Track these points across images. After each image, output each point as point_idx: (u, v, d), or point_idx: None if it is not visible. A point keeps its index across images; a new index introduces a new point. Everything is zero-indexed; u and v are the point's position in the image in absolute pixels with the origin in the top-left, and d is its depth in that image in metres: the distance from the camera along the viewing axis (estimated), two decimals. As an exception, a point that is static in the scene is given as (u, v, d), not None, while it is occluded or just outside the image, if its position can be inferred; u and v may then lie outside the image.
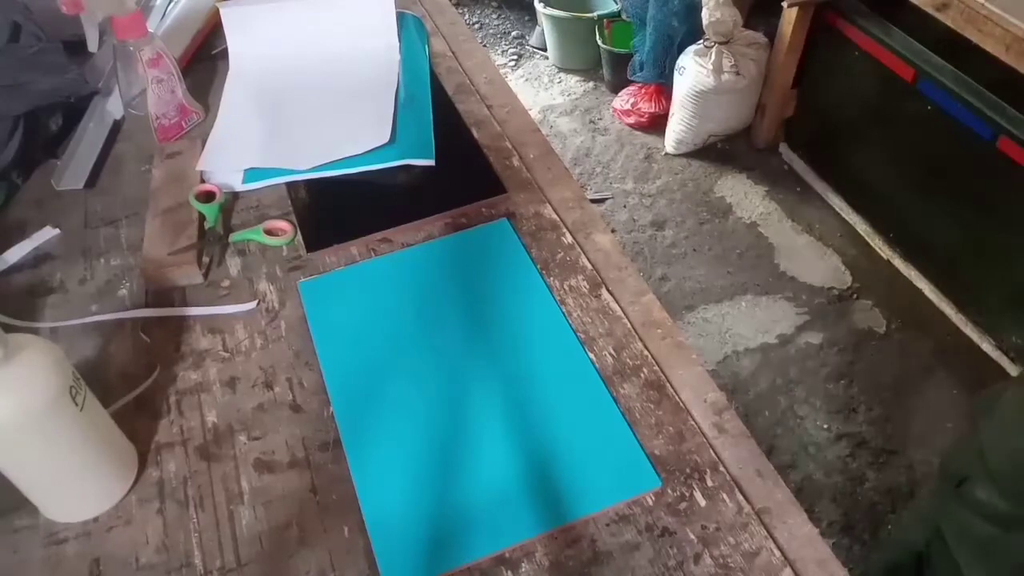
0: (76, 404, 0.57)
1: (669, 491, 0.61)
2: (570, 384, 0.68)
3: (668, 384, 0.68)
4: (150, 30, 0.92)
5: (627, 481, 0.61)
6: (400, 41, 1.04)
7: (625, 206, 2.25)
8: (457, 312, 0.74)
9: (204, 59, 1.08)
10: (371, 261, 0.80)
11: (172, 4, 1.12)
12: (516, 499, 0.61)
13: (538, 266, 0.78)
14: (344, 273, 0.79)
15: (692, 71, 2.13)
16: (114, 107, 0.99)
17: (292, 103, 0.98)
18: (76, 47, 0.99)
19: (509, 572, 0.57)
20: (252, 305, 0.76)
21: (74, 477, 0.60)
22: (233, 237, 0.83)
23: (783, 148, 2.30)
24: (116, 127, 0.99)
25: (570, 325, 0.72)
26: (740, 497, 0.60)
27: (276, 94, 1.00)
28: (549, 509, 0.60)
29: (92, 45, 0.98)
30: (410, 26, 1.08)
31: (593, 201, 2.25)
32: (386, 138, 0.90)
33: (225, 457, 0.65)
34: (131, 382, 0.70)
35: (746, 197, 2.19)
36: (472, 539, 0.59)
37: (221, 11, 1.02)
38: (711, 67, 2.08)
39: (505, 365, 0.69)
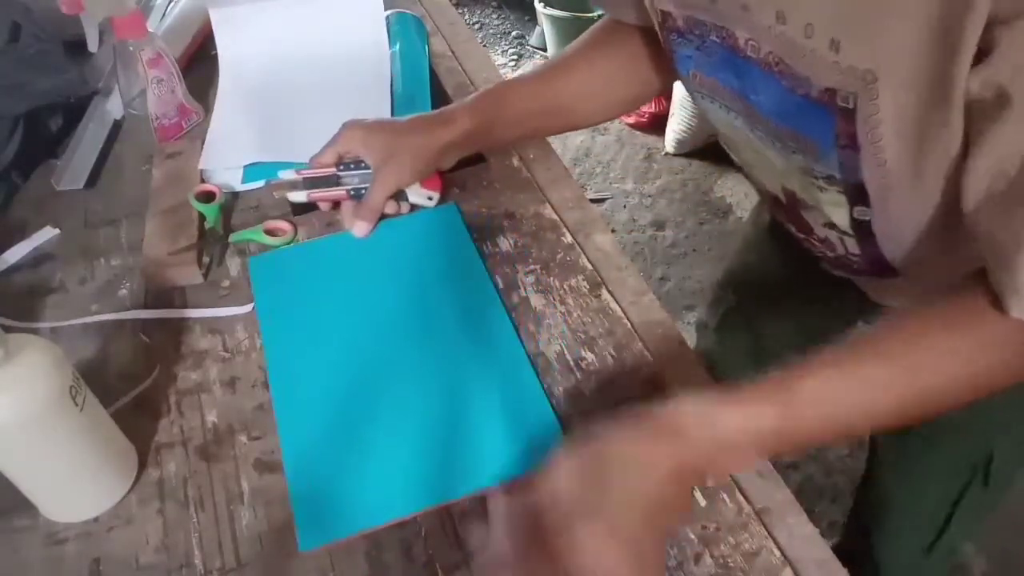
0: (76, 404, 0.57)
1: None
2: (499, 365, 0.70)
3: (668, 386, 0.68)
4: (150, 30, 0.92)
5: (540, 451, 0.62)
6: (394, 39, 1.04)
7: (625, 206, 2.25)
8: (397, 294, 0.76)
9: (204, 59, 1.08)
10: (321, 239, 0.83)
11: (172, 4, 1.12)
12: (437, 463, 0.64)
13: (536, 264, 0.78)
14: (293, 250, 0.82)
15: (692, 71, 2.13)
16: (114, 107, 1.00)
17: (287, 100, 0.99)
18: (76, 47, 0.99)
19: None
20: (250, 307, 0.76)
21: (74, 477, 0.60)
22: (233, 237, 0.83)
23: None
24: (116, 127, 0.99)
25: (506, 309, 0.74)
26: (740, 497, 0.60)
27: (270, 92, 1.00)
28: (464, 473, 0.63)
29: (92, 45, 0.99)
30: (409, 26, 1.08)
31: (593, 201, 2.25)
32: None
33: (225, 457, 0.65)
34: (131, 382, 0.70)
35: (746, 197, 2.19)
36: (388, 500, 0.61)
37: (210, 12, 1.02)
38: (711, 67, 2.08)
39: (439, 345, 0.72)
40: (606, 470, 0.49)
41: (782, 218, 0.79)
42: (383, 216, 0.81)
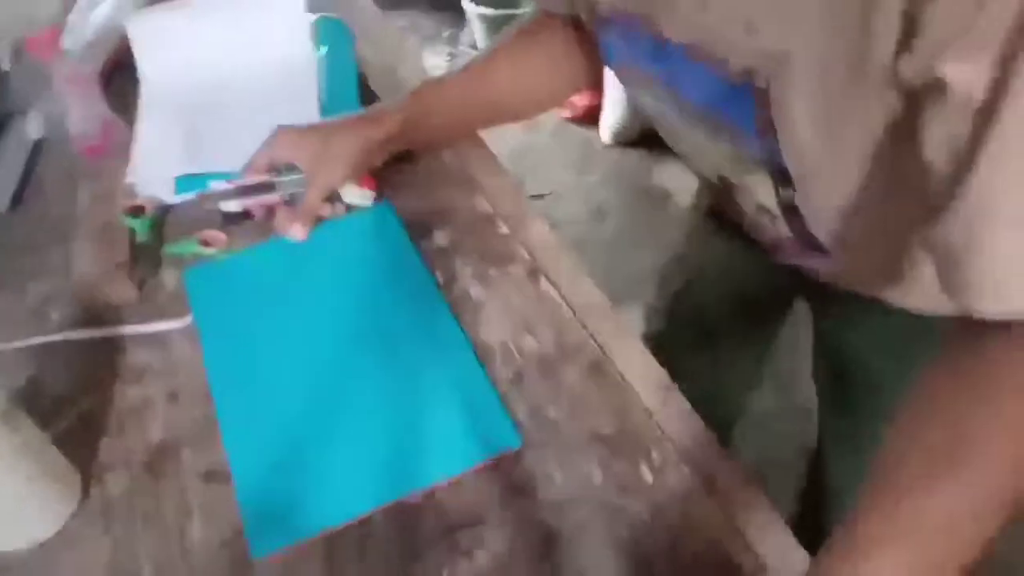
0: (11, 429, 0.56)
1: (616, 469, 0.62)
2: (443, 358, 0.70)
3: (610, 365, 0.69)
4: (66, 46, 0.90)
5: (489, 440, 0.64)
6: (321, 44, 1.04)
7: (566, 199, 2.27)
8: (336, 296, 0.76)
9: (125, 73, 1.05)
10: (256, 247, 0.82)
11: (88, 19, 1.10)
12: (386, 461, 0.64)
13: (473, 256, 0.78)
14: (229, 260, 0.81)
15: (622, 62, 2.16)
16: (33, 127, 0.97)
17: (213, 110, 0.98)
18: (-11, 68, 0.97)
19: (465, 560, 0.58)
20: (188, 320, 0.75)
21: (14, 504, 0.59)
22: (167, 250, 0.81)
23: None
24: (37, 147, 0.97)
25: (446, 302, 0.74)
26: (686, 470, 0.62)
27: (195, 102, 0.99)
28: (414, 469, 0.63)
29: (5, 64, 0.96)
30: (334, 30, 1.08)
31: (533, 197, 2.26)
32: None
33: (171, 472, 0.64)
34: (70, 404, 0.69)
35: (684, 184, 2.23)
36: (338, 502, 0.61)
37: (128, 26, 1.00)
38: (640, 57, 2.11)
39: (382, 343, 0.72)
40: None
41: (719, 203, 0.81)
42: (319, 218, 0.81)
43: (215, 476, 0.64)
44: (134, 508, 0.62)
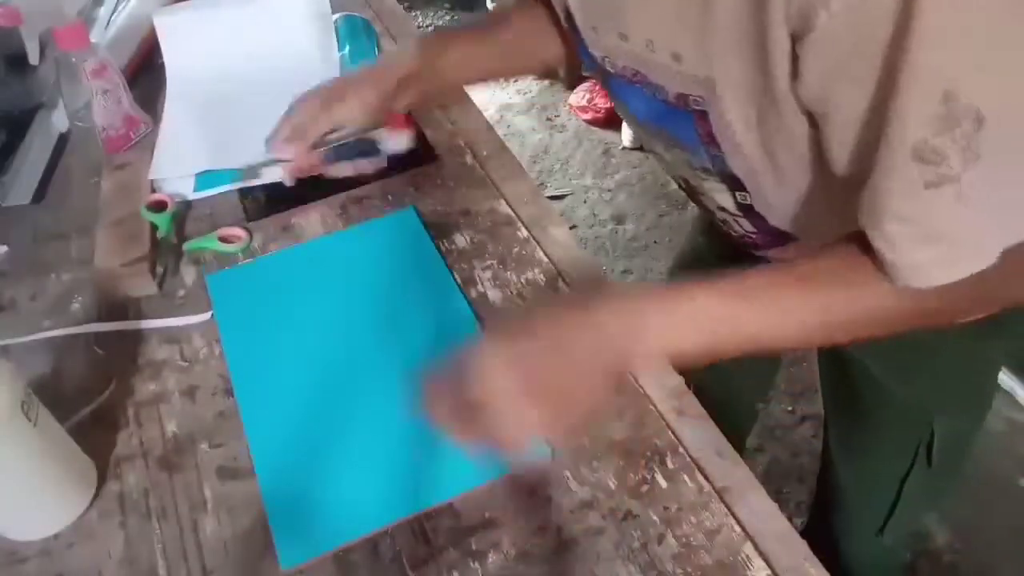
0: (29, 420, 0.56)
1: (631, 475, 0.62)
2: None
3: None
4: (93, 40, 0.90)
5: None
6: (344, 42, 1.04)
7: (585, 201, 2.27)
8: (362, 302, 0.76)
9: (151, 68, 1.07)
10: (278, 252, 0.82)
11: (115, 13, 1.11)
12: (411, 471, 0.63)
13: (492, 260, 0.78)
14: (252, 266, 0.81)
15: (645, 65, 2.15)
16: (59, 120, 0.98)
17: (236, 107, 0.98)
18: (17, 60, 0.98)
19: (477, 564, 0.58)
20: (207, 316, 0.76)
21: (31, 494, 0.59)
22: (187, 246, 0.82)
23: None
24: (63, 140, 0.98)
25: (472, 310, 0.74)
26: (700, 477, 0.61)
27: (219, 99, 0.99)
28: (437, 479, 0.62)
29: (33, 58, 0.97)
30: (359, 29, 1.08)
31: (553, 198, 2.26)
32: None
33: (186, 466, 0.65)
34: (88, 396, 0.69)
35: (703, 187, 2.22)
36: (363, 513, 0.61)
37: (155, 20, 1.01)
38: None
39: (407, 350, 0.71)
40: (532, 320, 0.54)
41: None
42: (319, 144, 0.79)
43: (230, 471, 0.64)
44: (149, 501, 0.63)
